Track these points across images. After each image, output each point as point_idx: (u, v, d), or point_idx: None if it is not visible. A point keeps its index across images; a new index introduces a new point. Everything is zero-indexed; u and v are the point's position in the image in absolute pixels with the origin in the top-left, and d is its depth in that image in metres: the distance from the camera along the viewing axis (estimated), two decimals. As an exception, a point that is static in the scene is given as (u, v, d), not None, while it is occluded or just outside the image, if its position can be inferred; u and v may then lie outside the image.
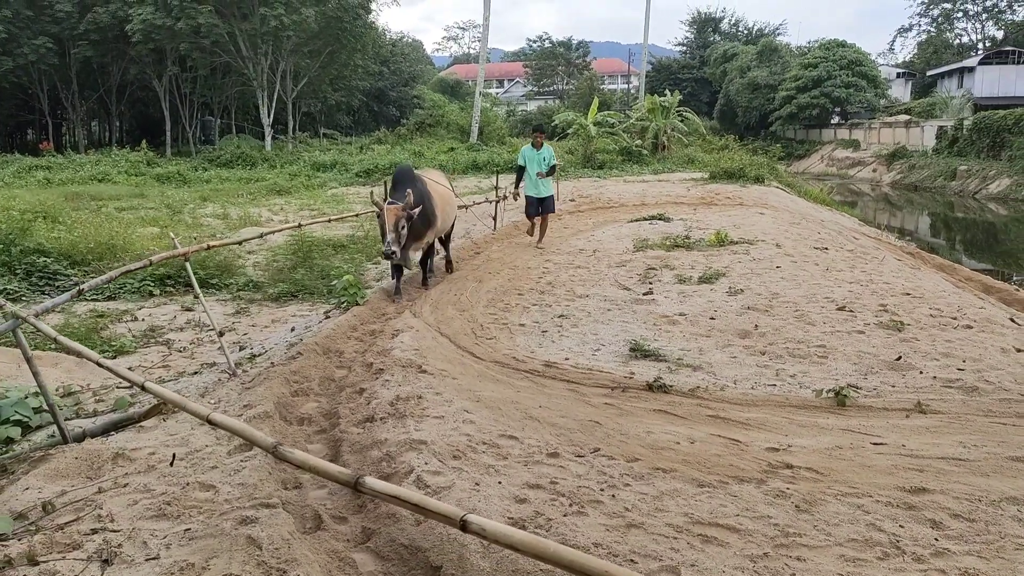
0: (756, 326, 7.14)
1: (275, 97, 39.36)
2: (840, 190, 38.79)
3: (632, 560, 3.31)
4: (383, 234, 8.38)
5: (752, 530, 3.62)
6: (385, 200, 8.74)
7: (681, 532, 3.59)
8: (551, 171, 12.12)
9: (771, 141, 51.37)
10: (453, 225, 10.94)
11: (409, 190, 8.47)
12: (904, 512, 3.81)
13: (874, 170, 43.90)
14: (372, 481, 2.12)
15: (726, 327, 7.18)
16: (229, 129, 47.82)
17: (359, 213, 12.75)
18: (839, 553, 3.42)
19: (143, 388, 3.43)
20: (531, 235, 12.92)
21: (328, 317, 8.18)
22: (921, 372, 5.83)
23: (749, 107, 57.46)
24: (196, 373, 6.66)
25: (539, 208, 12.41)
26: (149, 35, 35.03)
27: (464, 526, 1.69)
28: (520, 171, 12.37)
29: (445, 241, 10.74)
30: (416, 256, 9.34)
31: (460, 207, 12.12)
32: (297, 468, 3.36)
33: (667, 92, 37.89)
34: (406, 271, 9.43)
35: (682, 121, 36.25)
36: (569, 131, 33.78)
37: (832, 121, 53.61)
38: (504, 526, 1.83)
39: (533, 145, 12.24)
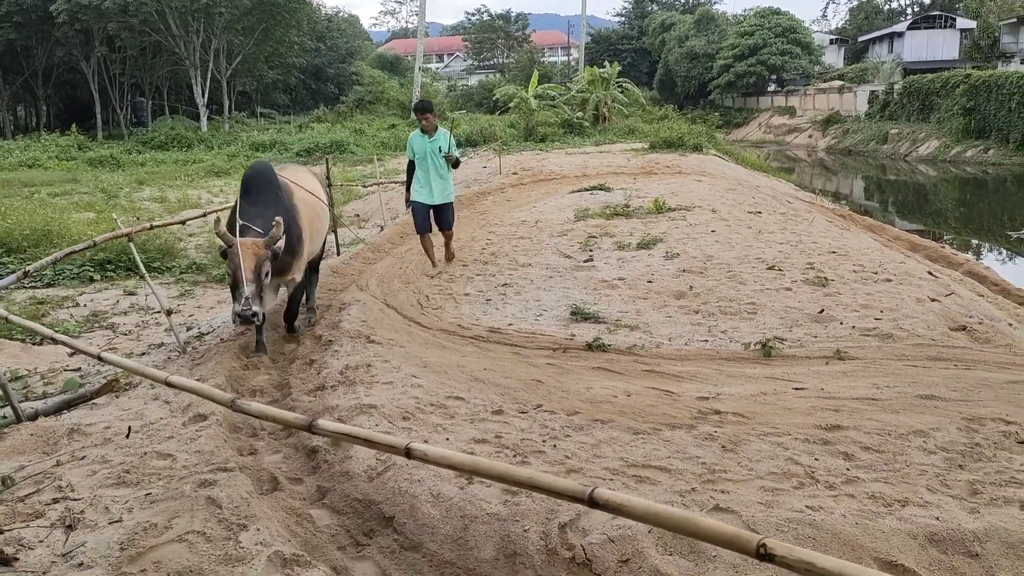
0: (691, 287, 7.46)
1: (209, 76, 38.56)
2: (777, 156, 39.71)
3: (571, 500, 3.57)
4: (236, 285, 5.52)
5: (682, 469, 3.91)
6: (236, 227, 5.73)
7: (617, 474, 3.86)
8: (454, 164, 8.75)
9: (710, 110, 52.12)
10: (324, 246, 8.16)
11: (278, 218, 5.68)
12: (820, 447, 4.14)
13: (810, 136, 44.96)
14: (324, 423, 2.31)
15: (662, 289, 7.49)
16: (162, 111, 46.71)
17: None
18: (760, 485, 3.73)
19: (99, 358, 3.54)
20: (429, 257, 9.05)
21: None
22: (842, 323, 6.21)
23: (688, 76, 58.12)
24: (144, 354, 6.72)
25: (430, 220, 8.85)
26: (75, 15, 33.98)
27: (408, 453, 1.89)
28: (411, 169, 8.86)
29: (312, 266, 7.58)
30: (272, 301, 6.39)
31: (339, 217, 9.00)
32: (255, 418, 3.52)
33: (607, 63, 38.21)
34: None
35: (622, 92, 36.62)
36: (510, 105, 33.88)
37: (769, 89, 54.60)
38: (442, 449, 2.04)
39: (422, 131, 8.64)
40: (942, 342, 5.77)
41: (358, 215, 16.11)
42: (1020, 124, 28.30)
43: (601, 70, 35.94)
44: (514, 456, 4.13)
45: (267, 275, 5.66)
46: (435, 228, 9.05)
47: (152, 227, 7.74)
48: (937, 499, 3.61)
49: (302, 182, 7.01)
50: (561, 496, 1.71)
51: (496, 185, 17.80)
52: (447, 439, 4.36)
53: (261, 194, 6.07)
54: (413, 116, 39.29)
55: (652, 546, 3.24)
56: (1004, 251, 16.21)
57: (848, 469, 3.92)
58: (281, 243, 5.71)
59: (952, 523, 3.37)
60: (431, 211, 8.82)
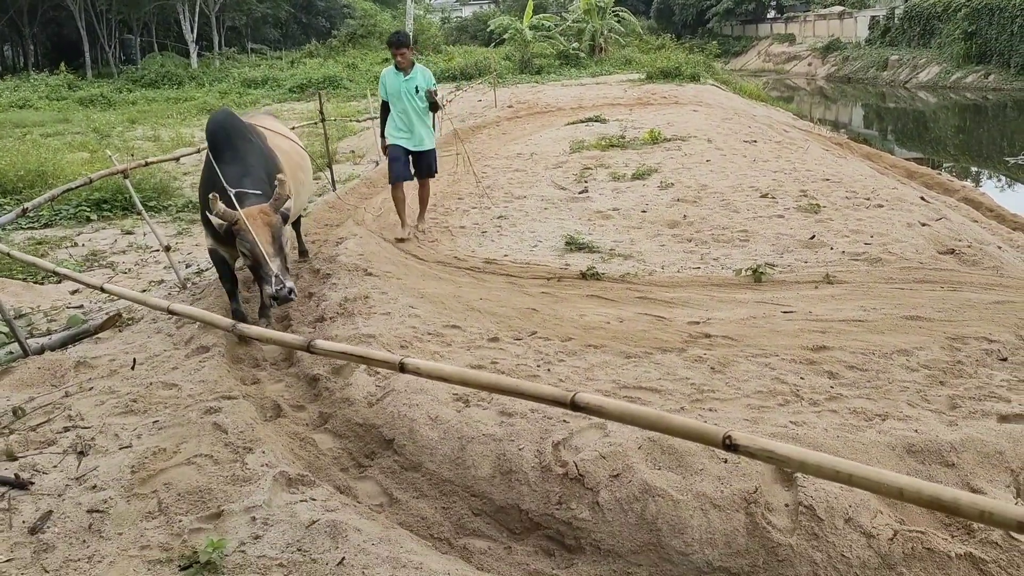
0: (684, 216, 7.52)
1: (197, 11, 37.77)
2: (776, 85, 39.22)
3: (563, 419, 3.70)
4: (257, 264, 4.69)
5: (672, 390, 4.04)
6: (227, 196, 4.81)
7: (609, 395, 3.97)
8: (434, 106, 7.52)
9: (708, 39, 51.23)
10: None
11: (280, 176, 4.96)
12: (805, 367, 4.27)
13: (809, 64, 44.29)
14: (321, 342, 2.41)
15: (656, 219, 7.54)
16: (151, 48, 45.84)
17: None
18: (746, 403, 3.86)
19: (102, 289, 3.63)
20: (400, 214, 7.74)
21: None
22: (832, 248, 6.29)
23: (686, 5, 56.93)
24: (145, 291, 6.82)
25: (410, 167, 7.63)
26: (57, -51, 33.06)
27: (402, 367, 1.99)
28: (385, 111, 7.67)
29: (295, 226, 7.06)
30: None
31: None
32: (257, 347, 3.62)
33: (603, -8, 37.40)
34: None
35: (619, 22, 35.97)
36: (505, 37, 33.29)
37: (768, 16, 53.56)
38: (434, 363, 2.14)
39: (397, 68, 7.38)
40: (930, 265, 5.86)
41: (353, 151, 16.02)
42: (1022, 48, 27.88)
43: (597, -1, 35.23)
44: (509, 380, 4.25)
45: (287, 242, 4.99)
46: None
47: (147, 163, 7.73)
48: (917, 413, 3.75)
49: (276, 129, 6.23)
50: (546, 401, 1.81)
51: (491, 119, 17.66)
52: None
53: (236, 149, 5.15)
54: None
55: (642, 461, 3.39)
56: (1002, 177, 16.18)
57: (832, 387, 4.05)
58: (290, 203, 4.92)
59: (930, 435, 3.50)
60: (411, 157, 7.58)
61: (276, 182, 4.90)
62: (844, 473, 1.40)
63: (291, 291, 4.62)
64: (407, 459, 3.85)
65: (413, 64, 7.43)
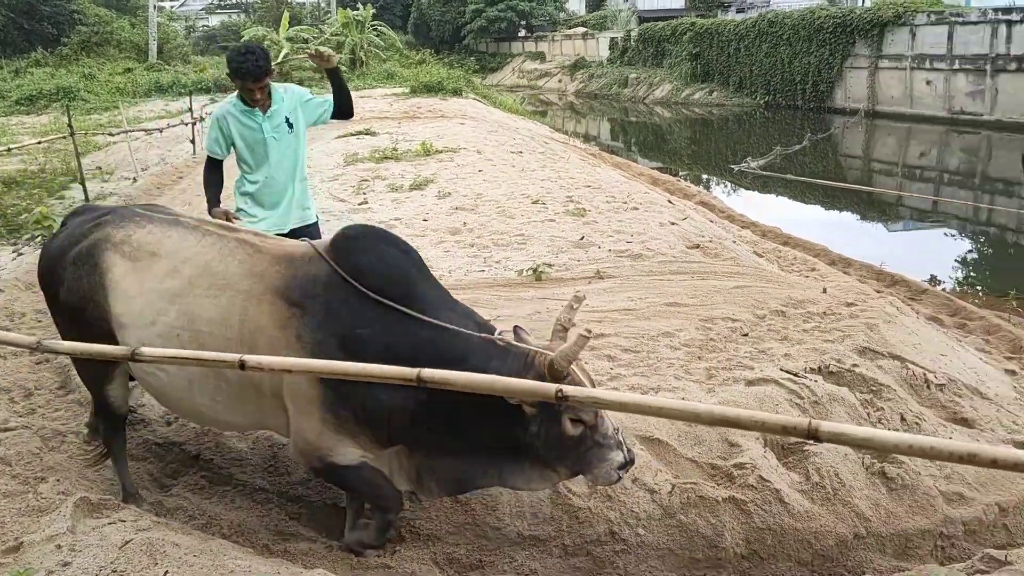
0: (465, 223, 7.89)
1: None
2: (532, 100, 41.37)
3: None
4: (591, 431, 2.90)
5: (473, 382, 4.32)
6: None
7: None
8: (333, 72, 4.55)
9: (465, 55, 52.92)
10: None
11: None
12: (587, 352, 4.72)
13: (559, 81, 47.16)
14: (50, 342, 2.39)
15: (438, 227, 7.85)
16: None
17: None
18: (541, 388, 4.24)
19: None
20: None
21: (21, 254, 7.62)
22: (599, 247, 6.95)
23: (442, 20, 58.33)
24: None
25: None
26: None
27: (242, 365, 2.03)
28: (214, 173, 4.50)
29: None
30: None
31: None
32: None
33: (360, 6, 37.43)
34: None
35: (378, 36, 36.16)
36: (261, 48, 32.23)
37: (520, 34, 56.29)
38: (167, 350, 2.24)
39: (245, 107, 4.35)
40: (682, 258, 6.66)
41: (100, 167, 14.86)
42: (738, 68, 31.66)
43: (355, 12, 35.19)
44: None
45: None
46: None
47: None
48: (682, 384, 4.33)
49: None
50: (394, 380, 1.98)
51: (256, 132, 17.13)
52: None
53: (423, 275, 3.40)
54: (151, 59, 36.30)
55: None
56: (728, 183, 18.33)
57: (612, 368, 4.55)
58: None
59: (694, 401, 4.07)
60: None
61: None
62: (654, 407, 1.73)
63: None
64: (216, 473, 3.81)
65: (273, 95, 4.42)
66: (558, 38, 51.08)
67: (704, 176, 19.63)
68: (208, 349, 2.79)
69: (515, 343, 2.93)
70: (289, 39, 32.14)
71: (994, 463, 1.34)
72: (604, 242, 7.10)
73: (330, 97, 4.55)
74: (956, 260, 12.10)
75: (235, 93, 4.42)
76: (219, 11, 69.36)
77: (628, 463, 2.89)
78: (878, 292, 7.72)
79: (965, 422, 4.60)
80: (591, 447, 2.83)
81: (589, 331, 2.72)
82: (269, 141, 4.43)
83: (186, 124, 14.36)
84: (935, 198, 16.44)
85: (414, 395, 2.67)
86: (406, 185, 9.74)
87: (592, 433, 2.82)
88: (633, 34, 41.98)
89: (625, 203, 8.63)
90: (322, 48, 4.65)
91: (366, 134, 14.90)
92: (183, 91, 23.39)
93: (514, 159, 11.76)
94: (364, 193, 9.53)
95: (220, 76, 28.37)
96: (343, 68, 30.75)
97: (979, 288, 10.22)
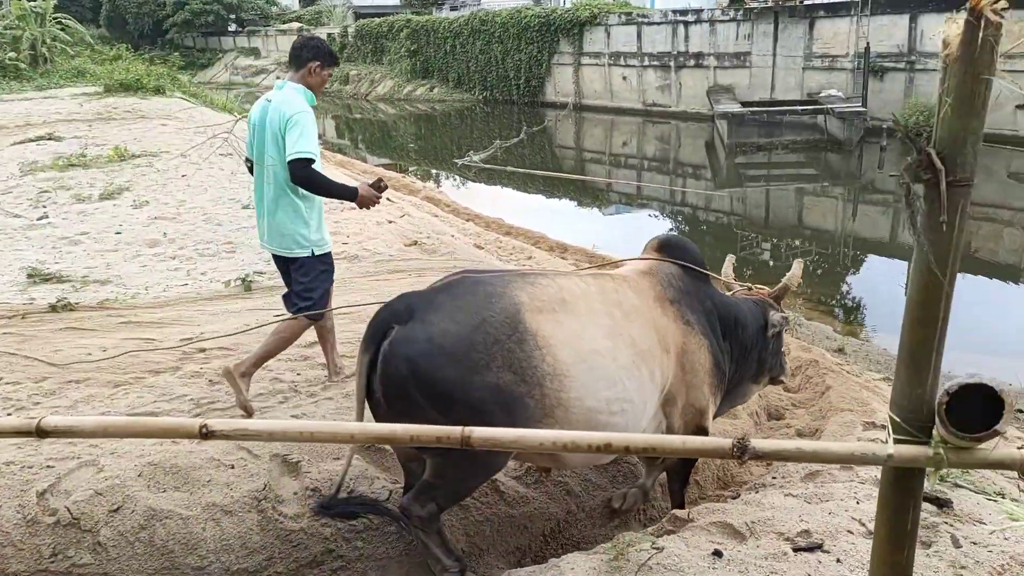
0: (165, 234, 7.24)
1: None
2: (250, 98, 39.45)
3: (47, 465, 3.35)
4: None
5: (170, 410, 3.93)
6: None
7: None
8: (306, 178, 3.84)
9: (170, 50, 49.19)
10: None
11: None
12: (302, 363, 4.52)
13: (277, 77, 45.41)
14: None
15: (134, 239, 7.12)
16: None
17: None
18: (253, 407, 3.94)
19: None
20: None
21: None
22: (314, 250, 6.68)
23: (140, 13, 53.74)
24: None
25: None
26: None
27: None
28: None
29: None
30: None
31: None
32: None
33: (39, -5, 33.31)
34: None
35: (63, 30, 32.40)
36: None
37: (231, 29, 53.46)
38: None
39: (315, 92, 4.21)
40: (399, 257, 6.61)
41: None
42: (456, 65, 32.47)
43: (32, 3, 31.22)
44: (-28, 439, 3.67)
45: None
46: None
47: None
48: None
49: None
50: (10, 435, 1.65)
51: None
52: None
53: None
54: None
55: (144, 488, 3.25)
56: (456, 177, 18.72)
57: (326, 376, 4.35)
58: None
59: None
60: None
61: None
62: (306, 432, 1.58)
63: None
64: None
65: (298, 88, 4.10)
66: (272, 33, 49.25)
67: (432, 171, 19.88)
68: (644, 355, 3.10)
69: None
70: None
71: (627, 450, 1.37)
72: (320, 244, 6.84)
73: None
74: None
75: (296, 87, 4.02)
76: None
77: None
78: (588, 274, 8.25)
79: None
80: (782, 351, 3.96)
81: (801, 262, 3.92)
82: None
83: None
84: (639, 183, 18.00)
85: (737, 350, 3.58)
86: (95, 195, 8.74)
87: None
88: (350, 30, 41.58)
89: (342, 203, 8.40)
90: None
91: (50, 139, 13.22)
92: None
93: (222, 161, 11.04)
94: (44, 206, 8.41)
95: None
96: (23, 67, 27.25)
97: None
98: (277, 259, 4.19)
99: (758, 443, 1.38)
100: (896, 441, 1.44)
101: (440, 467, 2.85)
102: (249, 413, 3.78)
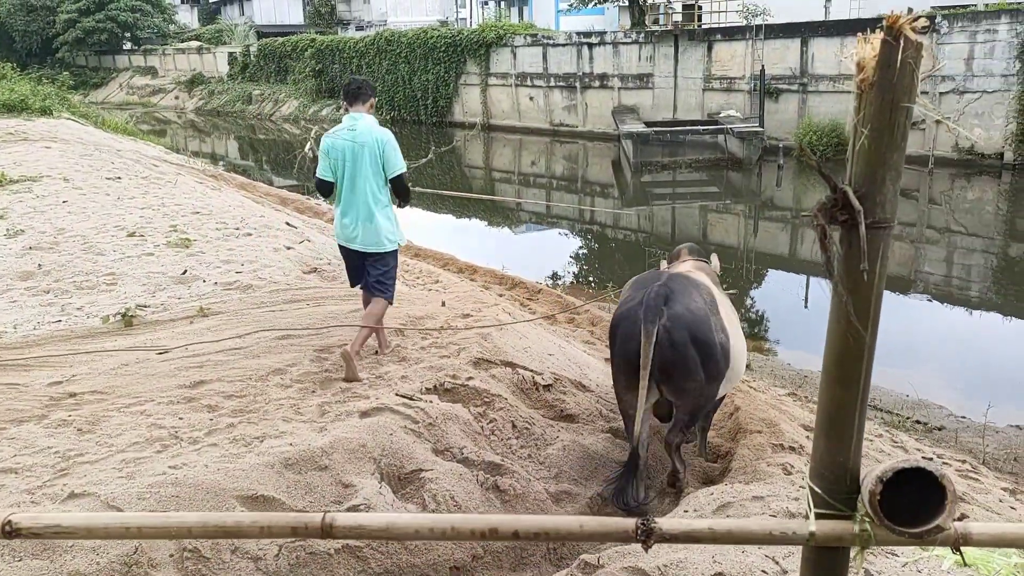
0: (40, 265, 6.72)
1: None
2: (146, 119, 37.98)
3: None
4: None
5: (32, 465, 3.55)
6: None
7: (-55, 493, 3.31)
8: (406, 188, 5.08)
9: (60, 69, 46.97)
10: None
11: None
12: (184, 406, 4.17)
13: (176, 97, 43.92)
14: None
15: (5, 271, 6.58)
16: None
17: None
18: (121, 459, 3.59)
19: None
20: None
21: None
22: (204, 281, 6.31)
23: (27, 31, 51.19)
24: None
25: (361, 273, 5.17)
26: None
27: None
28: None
29: None
30: None
31: None
32: None
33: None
34: None
35: (-61, 46, 30.48)
36: None
37: (126, 47, 51.45)
38: None
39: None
40: (296, 285, 6.30)
41: None
42: (362, 85, 32.05)
43: (-96, 18, 29.28)
44: None
45: None
46: None
47: None
48: (291, 427, 3.97)
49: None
50: None
51: None
52: None
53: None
54: None
55: (-7, 560, 2.88)
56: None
57: (212, 419, 4.04)
58: None
59: (303, 445, 3.73)
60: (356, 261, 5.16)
61: None
62: (133, 527, 1.34)
63: None
64: None
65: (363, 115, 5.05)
66: (170, 52, 47.66)
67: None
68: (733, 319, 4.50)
69: None
70: None
71: (515, 535, 1.20)
72: (211, 274, 6.46)
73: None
74: (569, 257, 13.34)
75: (371, 117, 5.05)
76: None
77: None
78: (500, 296, 8.11)
79: (569, 418, 4.87)
80: None
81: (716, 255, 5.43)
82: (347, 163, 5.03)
83: None
84: (548, 203, 18.01)
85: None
86: (-36, 224, 8.10)
87: None
88: (253, 49, 40.62)
89: (238, 229, 8.02)
90: None
91: (-85, 163, 12.26)
92: None
93: (109, 186, 10.43)
94: (-98, 238, 7.72)
95: None
96: None
97: (588, 282, 11.30)
98: (351, 255, 5.09)
99: (666, 523, 1.23)
100: (818, 516, 1.30)
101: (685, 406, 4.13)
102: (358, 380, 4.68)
